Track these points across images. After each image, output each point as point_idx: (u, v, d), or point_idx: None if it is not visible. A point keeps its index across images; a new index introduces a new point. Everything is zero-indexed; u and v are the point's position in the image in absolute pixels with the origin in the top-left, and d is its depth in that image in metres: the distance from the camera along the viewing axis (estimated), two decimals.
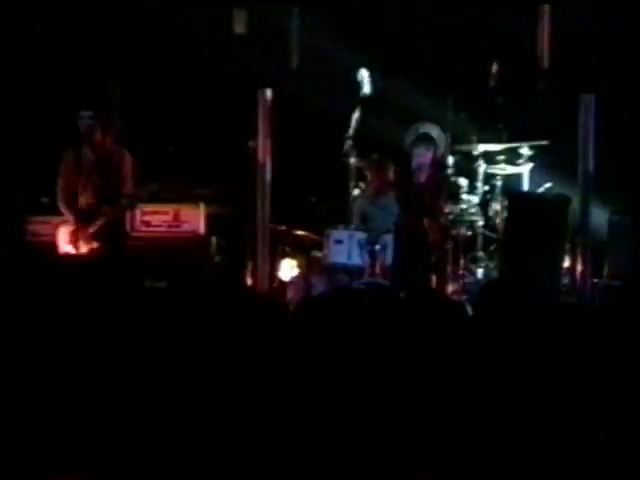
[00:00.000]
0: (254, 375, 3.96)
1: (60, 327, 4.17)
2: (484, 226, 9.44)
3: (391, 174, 9.44)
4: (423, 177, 8.87)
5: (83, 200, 8.13)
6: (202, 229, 9.54)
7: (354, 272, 9.14)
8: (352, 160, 9.71)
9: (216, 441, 3.69)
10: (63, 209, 8.17)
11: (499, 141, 9.69)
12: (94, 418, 3.75)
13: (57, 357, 3.96)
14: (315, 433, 3.69)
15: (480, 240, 9.43)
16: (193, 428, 3.71)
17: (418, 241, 8.89)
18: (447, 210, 9.03)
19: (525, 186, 9.88)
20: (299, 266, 9.51)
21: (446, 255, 8.89)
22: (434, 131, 9.57)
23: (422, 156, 8.89)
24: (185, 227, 9.55)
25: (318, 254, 9.43)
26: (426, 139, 9.02)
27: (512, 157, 9.77)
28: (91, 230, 8.05)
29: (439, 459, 3.60)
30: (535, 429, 3.64)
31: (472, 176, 9.51)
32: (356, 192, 9.73)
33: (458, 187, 9.33)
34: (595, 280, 9.76)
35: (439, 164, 9.10)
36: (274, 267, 9.81)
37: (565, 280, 9.79)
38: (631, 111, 9.68)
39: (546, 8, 10.76)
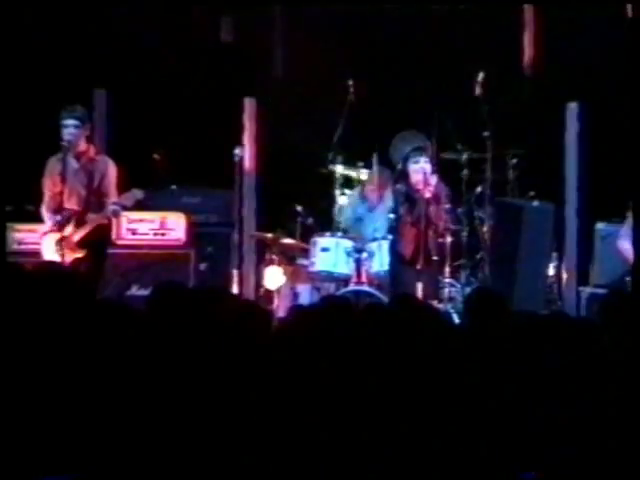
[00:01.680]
0: (238, 383, 3.95)
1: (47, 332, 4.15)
2: (469, 234, 9.42)
3: (389, 185, 9.39)
4: (429, 190, 8.76)
5: (67, 208, 8.10)
6: (188, 237, 9.53)
7: (340, 280, 9.15)
8: (338, 168, 9.72)
9: (198, 447, 3.68)
10: (45, 216, 8.14)
11: (484, 149, 9.69)
12: (89, 420, 3.73)
13: (49, 362, 3.94)
14: (300, 441, 3.68)
15: (465, 248, 9.41)
16: (180, 433, 3.70)
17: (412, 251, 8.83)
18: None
19: (510, 194, 9.88)
20: (285, 274, 9.49)
21: (432, 263, 8.87)
22: (420, 139, 9.56)
23: (423, 170, 8.79)
24: (171, 235, 9.54)
25: (304, 262, 9.42)
26: (421, 150, 8.96)
27: (497, 165, 9.77)
28: (76, 239, 8.03)
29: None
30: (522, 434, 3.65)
31: (457, 184, 9.50)
32: (343, 200, 9.71)
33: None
34: (580, 288, 9.78)
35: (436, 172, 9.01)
36: (260, 275, 9.80)
37: (550, 288, 9.80)
38: (616, 119, 9.70)
39: (531, 17, 10.78)
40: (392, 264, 8.90)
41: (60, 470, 3.62)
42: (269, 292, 9.47)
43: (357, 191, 9.79)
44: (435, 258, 8.76)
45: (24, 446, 3.65)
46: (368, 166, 9.73)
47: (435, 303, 8.32)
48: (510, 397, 3.70)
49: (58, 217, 8.02)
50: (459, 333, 5.17)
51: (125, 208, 8.20)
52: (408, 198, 8.84)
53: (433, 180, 8.75)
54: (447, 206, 8.89)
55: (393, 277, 8.90)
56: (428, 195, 8.72)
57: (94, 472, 3.61)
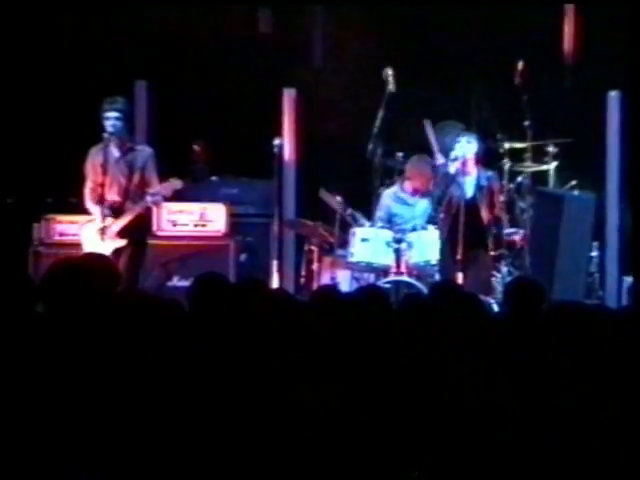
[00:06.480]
0: (275, 375, 3.97)
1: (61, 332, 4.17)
2: (509, 224, 9.38)
3: (430, 173, 9.40)
4: (469, 167, 8.85)
5: (109, 198, 8.18)
6: (227, 228, 9.56)
7: (379, 270, 9.13)
8: (377, 158, 9.69)
9: (223, 440, 3.68)
10: (91, 207, 8.22)
11: (524, 139, 9.65)
12: (94, 420, 3.74)
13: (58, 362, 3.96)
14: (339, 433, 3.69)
15: (505, 238, 9.37)
16: (199, 427, 3.71)
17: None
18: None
19: (551, 184, 9.84)
20: (325, 264, 9.49)
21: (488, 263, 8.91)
22: (460, 129, 9.54)
23: (470, 145, 8.88)
24: (211, 226, 9.58)
25: (343, 252, 9.41)
26: (458, 133, 9.01)
27: (538, 155, 9.73)
28: (116, 228, 8.10)
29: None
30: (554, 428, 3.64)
31: (497, 174, 9.47)
32: (387, 190, 9.62)
33: None
34: (622, 277, 9.73)
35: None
36: (300, 265, 9.82)
37: (592, 277, 9.75)
38: None
39: (571, 5, 10.70)
40: (443, 253, 8.90)
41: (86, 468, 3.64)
42: (309, 282, 9.48)
43: (396, 186, 9.66)
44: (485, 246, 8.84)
45: (53, 442, 3.67)
46: (407, 157, 9.69)
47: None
48: (548, 388, 3.70)
49: (106, 211, 8.10)
50: (499, 323, 5.16)
51: (164, 198, 8.26)
52: (455, 181, 8.89)
53: (468, 158, 8.80)
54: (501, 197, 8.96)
55: (443, 266, 8.88)
56: (468, 171, 8.84)
57: (118, 471, 3.62)
